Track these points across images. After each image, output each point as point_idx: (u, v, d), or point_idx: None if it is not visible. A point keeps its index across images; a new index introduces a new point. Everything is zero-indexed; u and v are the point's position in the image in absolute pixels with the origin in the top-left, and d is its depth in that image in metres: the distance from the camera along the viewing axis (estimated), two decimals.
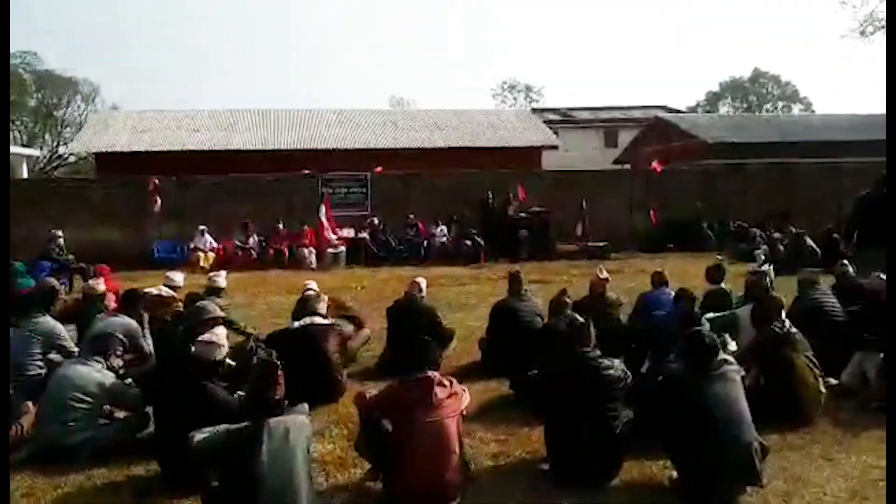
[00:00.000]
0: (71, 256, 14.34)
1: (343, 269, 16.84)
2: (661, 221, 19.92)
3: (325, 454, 5.28)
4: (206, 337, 4.95)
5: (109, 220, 18.79)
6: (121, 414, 5.69)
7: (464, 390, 4.63)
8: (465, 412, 4.68)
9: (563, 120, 41.54)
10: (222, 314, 5.98)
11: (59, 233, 14.64)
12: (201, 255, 17.04)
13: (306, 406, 5.73)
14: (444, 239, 18.49)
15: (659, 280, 8.24)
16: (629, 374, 4.88)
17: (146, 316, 7.23)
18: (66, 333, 6.92)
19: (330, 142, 26.29)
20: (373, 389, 5.08)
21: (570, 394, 4.70)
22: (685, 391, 4.56)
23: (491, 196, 18.66)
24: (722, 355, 4.75)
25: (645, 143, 33.49)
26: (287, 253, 17.47)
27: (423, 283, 8.01)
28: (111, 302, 7.76)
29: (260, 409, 3.83)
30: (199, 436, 3.85)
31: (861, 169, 17.65)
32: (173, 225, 18.72)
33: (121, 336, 6.53)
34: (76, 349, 6.66)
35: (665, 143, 30.65)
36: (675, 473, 4.65)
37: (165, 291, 7.85)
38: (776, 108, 63.71)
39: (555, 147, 28.00)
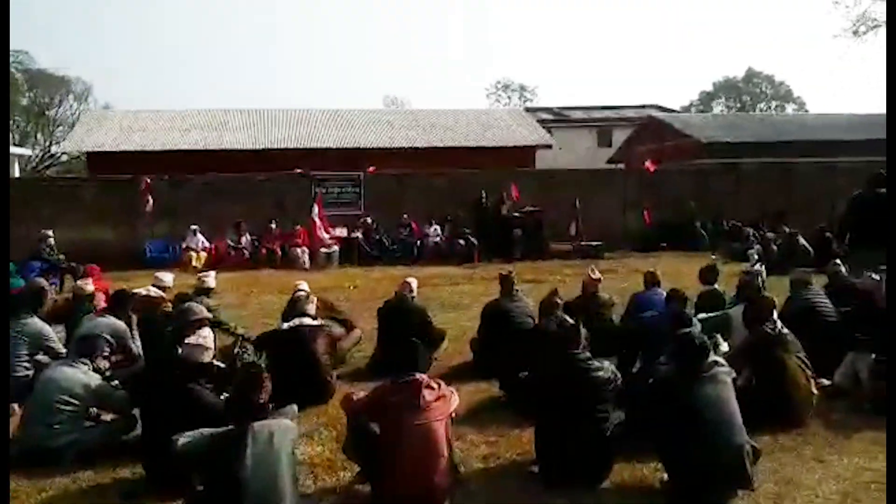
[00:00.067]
0: (62, 256, 14.25)
1: (336, 269, 16.77)
2: (655, 221, 19.91)
3: (313, 456, 5.23)
4: (192, 339, 4.90)
5: (101, 219, 18.67)
6: (107, 416, 5.64)
7: (452, 392, 4.58)
8: (454, 415, 4.63)
9: (557, 119, 41.49)
10: (209, 315, 5.93)
11: (50, 233, 14.54)
12: (193, 254, 16.94)
13: (295, 408, 5.70)
14: (438, 238, 18.44)
15: (651, 280, 8.22)
16: (619, 375, 4.84)
17: (134, 317, 7.18)
18: (54, 334, 6.88)
19: (323, 141, 26.21)
20: (362, 391, 5.02)
21: (560, 395, 4.66)
22: (675, 393, 4.53)
23: (484, 195, 18.60)
24: (712, 357, 4.72)
25: (639, 143, 33.49)
26: (280, 252, 17.38)
27: (413, 283, 7.96)
28: (101, 302, 7.71)
29: (244, 412, 3.78)
30: (182, 439, 3.80)
31: (856, 168, 17.65)
32: (165, 224, 18.61)
33: (108, 337, 6.47)
34: (64, 350, 6.61)
35: (659, 143, 30.65)
36: (665, 476, 4.61)
37: (154, 292, 7.80)
38: (770, 108, 63.80)
39: (549, 146, 27.95)
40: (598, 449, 4.63)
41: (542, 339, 5.94)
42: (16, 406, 5.84)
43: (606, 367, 4.77)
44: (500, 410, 6.13)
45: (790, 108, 63.44)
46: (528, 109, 40.54)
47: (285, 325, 6.76)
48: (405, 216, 18.72)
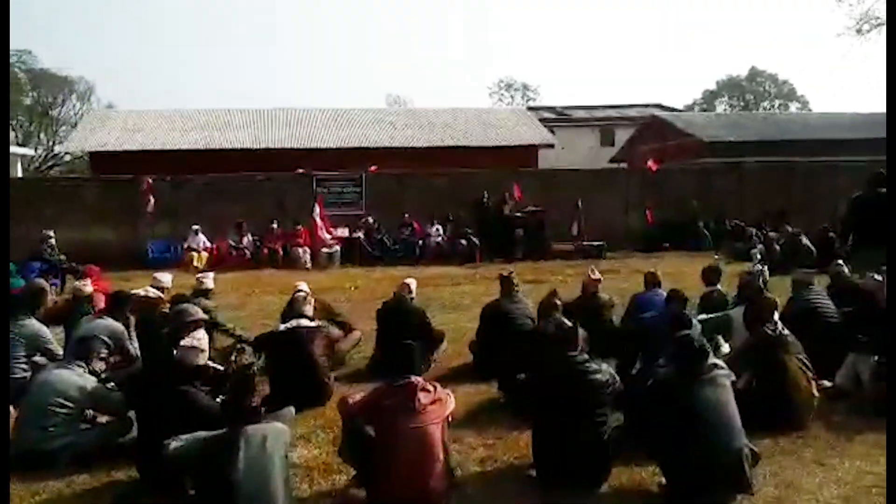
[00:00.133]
0: (62, 257, 14.25)
1: (338, 269, 16.78)
2: (658, 221, 19.86)
3: (310, 459, 5.19)
4: (187, 342, 4.86)
5: (103, 219, 18.70)
6: (103, 418, 5.60)
7: (449, 395, 4.54)
8: (451, 417, 4.59)
9: (560, 118, 41.45)
10: (204, 317, 5.89)
11: (51, 233, 14.56)
12: (195, 254, 16.96)
13: (293, 410, 5.68)
14: (440, 238, 18.41)
15: (652, 281, 8.16)
16: (617, 378, 4.79)
17: (132, 318, 7.15)
18: (51, 336, 6.85)
19: (324, 141, 26.22)
20: (360, 393, 4.98)
21: (558, 398, 4.61)
22: (674, 396, 4.47)
23: (486, 195, 18.57)
24: (712, 359, 4.67)
25: (641, 142, 33.42)
26: (281, 252, 17.39)
27: (412, 284, 7.92)
28: (100, 303, 7.68)
29: (237, 416, 3.75)
30: (174, 443, 3.77)
31: (858, 167, 17.55)
32: (167, 225, 18.63)
33: (105, 338, 6.45)
34: (61, 352, 6.58)
35: (661, 142, 30.57)
36: (664, 479, 4.57)
37: (152, 293, 7.75)
38: (773, 107, 63.66)
39: (551, 146, 27.91)
40: (595, 452, 4.57)
41: (541, 340, 5.89)
42: (11, 408, 5.80)
43: (604, 370, 4.72)
44: (499, 412, 6.08)
45: (793, 107, 63.31)
46: (530, 108, 40.51)
47: (282, 327, 6.73)
48: (406, 216, 18.70)
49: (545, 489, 4.64)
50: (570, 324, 5.00)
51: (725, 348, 6.84)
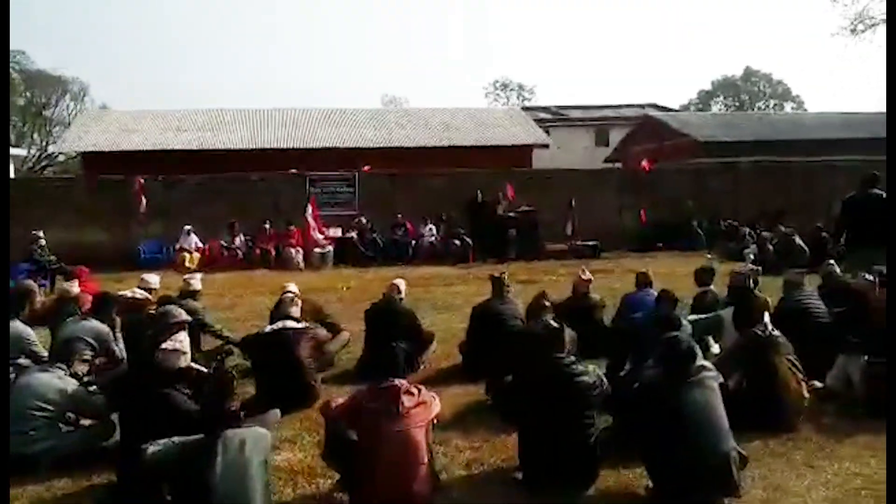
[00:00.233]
0: (53, 258, 14.18)
1: (331, 270, 16.73)
2: (652, 220, 19.84)
3: (294, 463, 5.12)
4: (168, 345, 4.79)
5: (96, 220, 18.61)
6: (86, 422, 5.53)
7: (434, 398, 4.47)
8: (436, 420, 4.53)
9: (554, 118, 41.44)
10: (188, 318, 5.82)
11: (41, 234, 14.51)
12: (187, 255, 16.90)
13: (278, 412, 5.64)
14: (433, 239, 18.37)
15: (643, 281, 8.13)
16: (605, 380, 4.73)
17: (118, 319, 7.08)
18: (36, 338, 6.78)
19: (318, 140, 26.14)
20: (344, 396, 4.92)
21: (543, 400, 4.55)
22: (661, 398, 4.42)
23: (480, 195, 18.52)
24: (700, 361, 4.61)
25: (636, 142, 33.42)
26: (274, 253, 17.33)
27: (401, 285, 7.84)
28: (86, 304, 7.60)
29: (215, 420, 3.69)
30: (152, 448, 3.71)
31: (853, 167, 17.53)
32: (159, 225, 18.54)
33: (90, 340, 6.40)
34: (46, 353, 6.51)
35: (656, 142, 30.57)
36: (651, 482, 4.51)
37: (139, 294, 7.69)
38: (768, 107, 63.72)
39: (545, 146, 27.87)
40: (582, 454, 4.51)
41: (528, 342, 5.82)
42: None
43: (591, 372, 4.65)
44: (487, 414, 6.01)
45: (788, 107, 63.40)
46: (525, 109, 40.43)
47: (268, 328, 6.66)
48: (400, 216, 18.64)
49: (532, 492, 4.58)
50: (557, 325, 4.92)
51: (716, 349, 6.80)
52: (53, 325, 7.38)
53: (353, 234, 18.12)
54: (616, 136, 38.19)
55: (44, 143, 47.59)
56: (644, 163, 20.96)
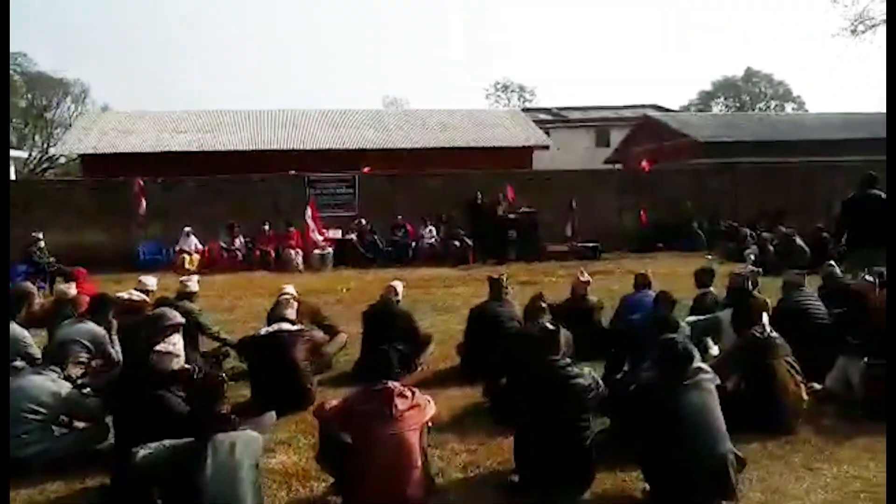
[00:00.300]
0: (51, 259, 14.17)
1: (330, 271, 16.71)
2: (652, 221, 19.82)
3: (289, 466, 5.08)
4: (161, 347, 4.76)
5: (95, 221, 18.62)
6: (80, 424, 5.50)
7: (428, 401, 4.44)
8: (430, 423, 4.50)
9: (555, 119, 41.40)
10: (182, 321, 5.78)
11: (40, 235, 14.49)
12: (186, 256, 16.89)
13: (273, 415, 5.59)
14: (433, 240, 18.34)
15: (642, 282, 8.09)
16: (600, 382, 4.69)
17: (115, 322, 7.05)
18: (32, 340, 6.75)
19: (317, 142, 26.12)
20: (339, 398, 4.88)
21: (539, 403, 4.51)
22: (658, 400, 4.38)
23: (479, 196, 18.49)
24: (697, 363, 4.58)
25: (636, 143, 33.37)
26: (273, 254, 17.31)
27: (399, 286, 7.81)
28: (83, 306, 7.58)
29: (206, 424, 3.65)
30: (142, 451, 3.68)
31: (854, 167, 17.50)
32: (158, 226, 18.54)
33: (86, 342, 6.37)
34: (40, 356, 6.48)
35: (656, 142, 30.52)
36: (647, 485, 4.47)
37: (136, 296, 7.65)
38: (769, 108, 63.64)
39: (545, 147, 27.84)
40: (578, 457, 4.47)
41: (523, 344, 5.79)
42: None
43: (586, 374, 4.61)
44: (483, 417, 5.97)
45: (789, 108, 63.33)
46: (526, 110, 40.44)
47: (263, 331, 6.63)
48: (399, 217, 18.62)
49: (527, 495, 4.54)
50: (552, 327, 4.88)
51: (714, 350, 6.76)
52: (51, 328, 7.36)
53: (353, 236, 18.11)
54: (616, 137, 38.14)
55: (45, 146, 47.60)
56: (644, 163, 20.92)
